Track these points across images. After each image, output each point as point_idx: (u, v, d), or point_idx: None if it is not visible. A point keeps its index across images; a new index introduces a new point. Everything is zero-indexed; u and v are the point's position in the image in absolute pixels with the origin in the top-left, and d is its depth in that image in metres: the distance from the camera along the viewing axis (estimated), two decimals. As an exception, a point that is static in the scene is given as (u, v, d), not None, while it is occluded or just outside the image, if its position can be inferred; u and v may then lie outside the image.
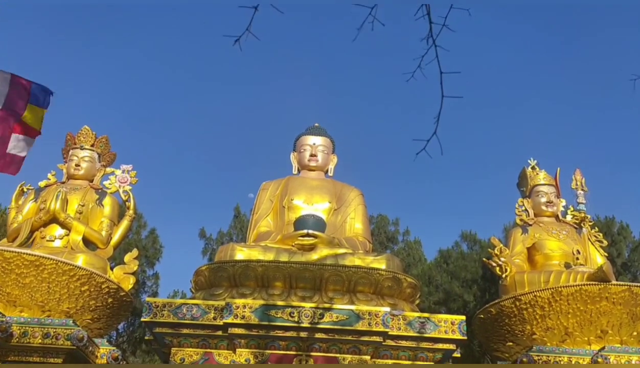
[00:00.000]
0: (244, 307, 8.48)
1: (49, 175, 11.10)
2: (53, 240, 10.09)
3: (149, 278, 18.55)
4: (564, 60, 34.65)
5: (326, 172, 12.46)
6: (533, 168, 11.75)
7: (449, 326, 8.69)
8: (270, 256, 9.62)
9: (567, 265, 10.17)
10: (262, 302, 8.65)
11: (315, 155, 12.16)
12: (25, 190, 10.87)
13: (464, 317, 8.88)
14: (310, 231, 10.28)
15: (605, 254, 10.83)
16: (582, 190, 10.93)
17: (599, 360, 8.30)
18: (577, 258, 10.11)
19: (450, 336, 8.65)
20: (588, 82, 34.40)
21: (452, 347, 8.80)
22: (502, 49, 35.97)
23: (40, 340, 8.18)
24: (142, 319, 8.65)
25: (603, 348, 8.62)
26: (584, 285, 8.88)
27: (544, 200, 11.30)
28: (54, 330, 8.23)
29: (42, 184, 10.94)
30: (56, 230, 10.19)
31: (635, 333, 9.02)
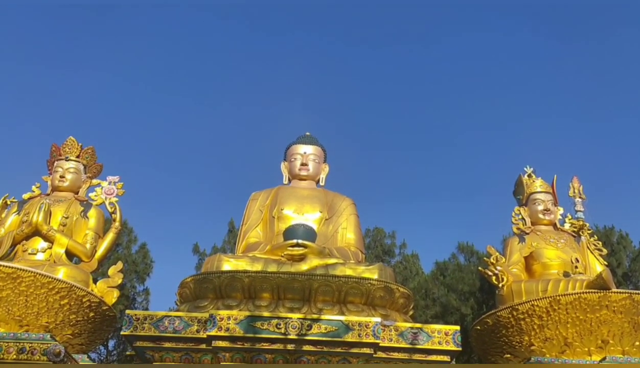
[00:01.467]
0: (229, 318, 8.15)
1: (33, 187, 10.88)
2: (35, 253, 9.83)
3: (139, 294, 18.20)
4: (560, 68, 34.61)
5: (317, 181, 12.22)
6: (529, 176, 11.53)
7: (442, 337, 8.35)
8: (258, 267, 9.33)
9: (566, 274, 9.90)
10: (247, 313, 8.33)
11: (306, 164, 11.93)
12: (8, 202, 10.60)
13: (458, 327, 8.55)
14: (300, 241, 10.02)
15: (605, 263, 10.53)
16: (579, 198, 10.65)
17: (600, 371, 7.97)
18: (576, 267, 9.85)
19: (444, 347, 8.32)
20: (586, 90, 34.33)
21: (446, 358, 8.45)
22: (498, 59, 35.96)
23: (15, 356, 7.86)
24: (122, 333, 8.32)
25: (604, 358, 8.31)
26: (583, 293, 8.59)
27: (540, 208, 11.06)
28: (30, 345, 7.91)
29: (25, 196, 10.71)
30: (39, 243, 9.93)
31: (637, 343, 8.69)
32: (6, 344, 7.94)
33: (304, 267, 9.46)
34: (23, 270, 8.50)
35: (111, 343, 17.45)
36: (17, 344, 7.93)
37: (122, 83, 35.57)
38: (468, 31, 35.77)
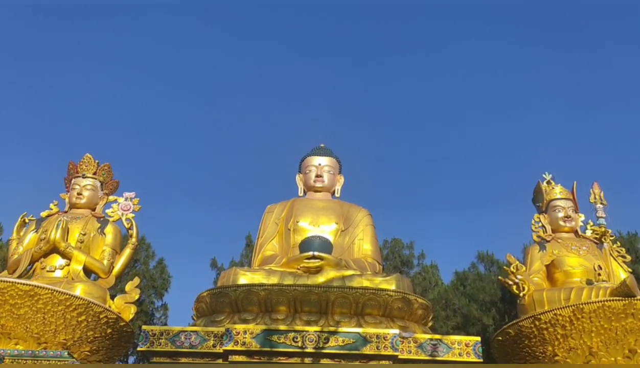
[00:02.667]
0: (245, 332, 8.08)
1: (51, 205, 10.96)
2: (53, 271, 9.86)
3: (157, 310, 18.20)
4: (580, 73, 34.12)
5: (333, 193, 12.15)
6: (549, 182, 11.33)
7: (463, 348, 8.19)
8: (274, 280, 9.25)
9: (589, 282, 9.66)
10: (263, 327, 8.25)
11: (321, 176, 11.88)
12: (27, 221, 10.71)
13: (478, 338, 8.38)
14: (316, 253, 9.92)
15: (629, 270, 10.27)
16: (601, 204, 10.40)
17: (628, 381, 7.72)
18: (599, 275, 9.60)
19: (465, 359, 8.15)
20: (605, 94, 33.79)
21: (467, 369, 8.27)
22: (517, 66, 35.63)
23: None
24: (139, 349, 8.30)
25: (632, 368, 8.04)
26: (606, 301, 8.37)
27: (561, 215, 10.85)
28: (48, 362, 7.92)
29: (44, 214, 10.79)
30: (57, 261, 9.97)
31: (666, 352, 8.41)
32: (24, 362, 7.95)
33: (320, 279, 9.37)
34: (40, 287, 8.54)
35: (131, 360, 17.45)
36: (35, 362, 7.94)
37: (138, 100, 35.95)
38: (486, 39, 35.56)
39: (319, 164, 12.03)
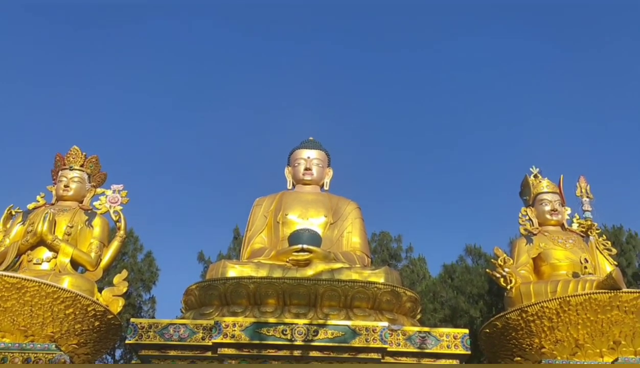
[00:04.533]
0: (234, 325, 8.08)
1: (38, 197, 10.84)
2: (40, 263, 9.77)
3: (145, 303, 18.13)
4: (566, 67, 34.33)
5: (322, 186, 12.15)
6: (535, 176, 11.42)
7: (451, 340, 8.24)
8: (263, 273, 9.24)
9: (575, 275, 9.77)
10: (252, 319, 8.25)
11: (309, 169, 11.87)
12: (13, 213, 10.59)
13: (467, 331, 8.44)
14: (305, 246, 9.91)
15: (615, 262, 10.39)
16: (587, 197, 10.51)
17: (613, 372, 7.83)
18: (585, 267, 9.70)
19: (453, 351, 8.21)
20: (592, 88, 34.06)
21: (455, 362, 8.34)
22: (502, 59, 35.75)
23: (20, 366, 7.80)
24: (127, 341, 8.25)
25: (616, 359, 8.20)
26: (593, 293, 8.47)
27: (548, 208, 10.94)
28: (35, 355, 7.89)
29: (30, 206, 10.68)
30: (44, 253, 9.89)
31: (650, 343, 8.55)
32: (11, 355, 7.92)
33: (309, 272, 9.37)
34: (27, 279, 8.48)
35: (118, 353, 17.39)
36: (23, 354, 7.92)
37: (123, 91, 35.61)
38: (474, 34, 35.65)
39: (308, 157, 12.01)
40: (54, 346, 8.08)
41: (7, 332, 8.54)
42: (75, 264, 9.94)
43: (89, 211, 10.68)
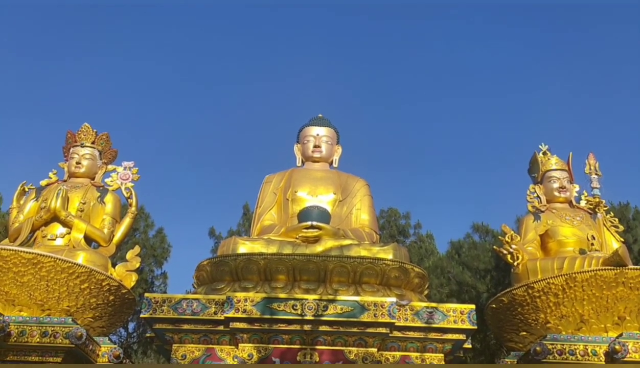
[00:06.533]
0: (245, 300, 8.24)
1: (50, 174, 11.00)
2: (54, 239, 9.96)
3: (157, 278, 18.43)
4: (575, 45, 34.00)
5: (331, 163, 12.21)
6: (544, 153, 11.44)
7: (458, 315, 8.37)
8: (273, 249, 9.38)
9: (582, 252, 9.84)
10: (263, 295, 8.41)
11: (319, 146, 11.92)
12: (26, 189, 10.77)
13: (473, 306, 8.56)
14: (315, 222, 10.03)
15: (622, 239, 10.46)
16: (595, 174, 10.54)
17: (617, 347, 7.95)
18: (592, 244, 9.78)
19: (460, 326, 8.34)
20: (600, 66, 33.74)
21: (462, 337, 8.49)
22: (511, 36, 35.42)
23: (38, 339, 8.03)
24: (142, 316, 8.45)
25: (621, 335, 8.28)
26: (599, 270, 8.54)
27: (556, 185, 10.99)
28: (52, 329, 8.07)
29: (43, 182, 10.84)
30: (57, 229, 10.07)
31: (654, 319, 8.65)
32: (29, 328, 8.11)
33: (318, 248, 9.50)
34: (43, 255, 8.66)
35: (131, 326, 17.74)
36: (40, 328, 8.10)
37: (136, 70, 35.68)
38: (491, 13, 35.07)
39: (317, 134, 12.06)
40: (70, 319, 8.28)
41: (24, 306, 8.77)
42: (88, 240, 10.13)
43: (101, 188, 10.83)
